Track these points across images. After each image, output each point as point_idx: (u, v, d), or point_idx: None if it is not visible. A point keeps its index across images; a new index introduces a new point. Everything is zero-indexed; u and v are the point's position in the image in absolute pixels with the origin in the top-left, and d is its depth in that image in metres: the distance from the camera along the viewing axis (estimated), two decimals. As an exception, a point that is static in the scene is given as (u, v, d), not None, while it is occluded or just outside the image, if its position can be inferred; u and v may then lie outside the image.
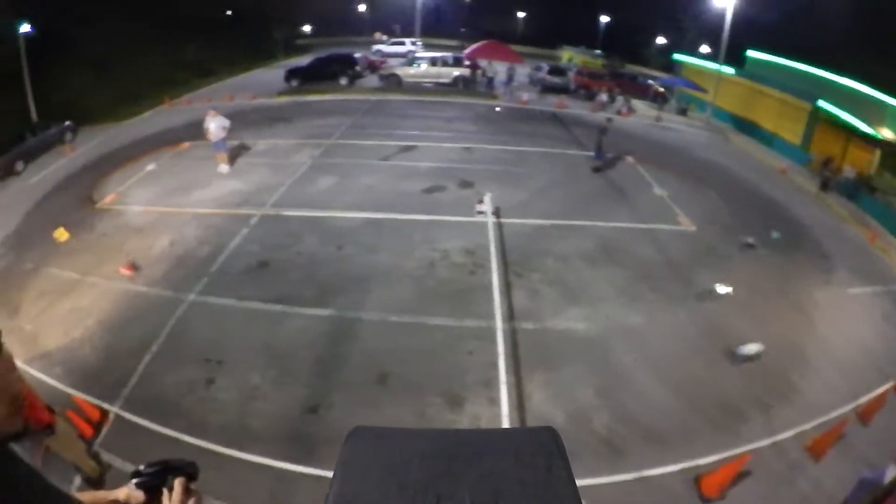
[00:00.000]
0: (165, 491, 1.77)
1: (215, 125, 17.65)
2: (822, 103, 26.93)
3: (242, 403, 9.08)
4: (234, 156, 18.97)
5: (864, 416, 9.91)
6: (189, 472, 1.84)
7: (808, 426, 9.42)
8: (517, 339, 10.51)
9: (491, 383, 9.33)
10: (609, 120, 20.58)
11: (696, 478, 8.06)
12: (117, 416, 9.09)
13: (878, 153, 26.05)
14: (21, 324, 11.59)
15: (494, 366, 9.69)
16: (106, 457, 8.66)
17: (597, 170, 20.14)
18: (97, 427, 9.06)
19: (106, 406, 9.22)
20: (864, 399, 10.27)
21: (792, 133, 29.45)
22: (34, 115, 29.51)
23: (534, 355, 10.16)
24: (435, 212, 15.40)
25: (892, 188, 24.68)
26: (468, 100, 32.14)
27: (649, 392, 9.66)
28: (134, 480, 1.86)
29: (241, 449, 8.16)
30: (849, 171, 24.91)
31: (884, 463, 5.40)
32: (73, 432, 8.68)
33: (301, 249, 13.34)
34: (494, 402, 8.97)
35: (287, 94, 32.20)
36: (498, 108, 29.80)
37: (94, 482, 8.55)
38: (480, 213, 14.83)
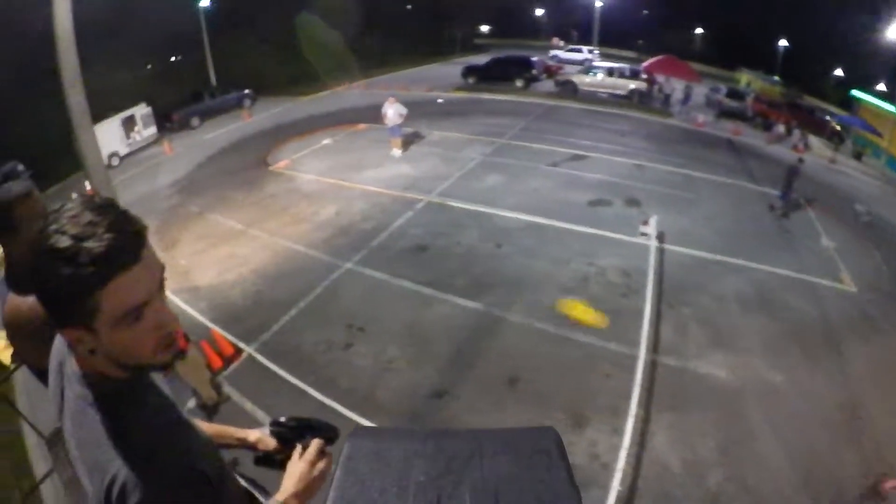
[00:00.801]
0: (299, 447, 1.79)
1: (393, 111, 18.62)
2: None
3: (374, 373, 9.42)
4: (407, 142, 19.72)
5: None
6: (329, 436, 1.85)
7: None
8: (656, 373, 10.06)
9: (619, 412, 9.00)
10: (801, 160, 19.12)
11: None
12: (249, 357, 9.71)
13: None
14: (176, 258, 12.67)
15: (627, 396, 9.32)
16: (227, 390, 9.25)
17: (773, 208, 18.75)
18: (227, 361, 9.74)
19: (241, 345, 9.86)
20: None
21: None
22: (213, 81, 32.52)
23: (668, 393, 9.68)
24: (597, 225, 15.06)
25: None
26: (642, 115, 31.12)
27: (770, 459, 8.84)
28: (271, 428, 1.93)
29: (362, 414, 8.41)
30: None
31: None
32: (201, 360, 9.39)
33: (461, 240, 13.59)
34: (617, 432, 8.65)
35: (463, 90, 32.99)
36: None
37: (209, 410, 9.19)
38: (644, 234, 14.32)
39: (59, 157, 20.40)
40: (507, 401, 9.04)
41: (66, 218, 1.19)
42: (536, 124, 25.69)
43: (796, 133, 32.07)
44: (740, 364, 10.79)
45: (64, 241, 1.16)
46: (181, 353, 8.62)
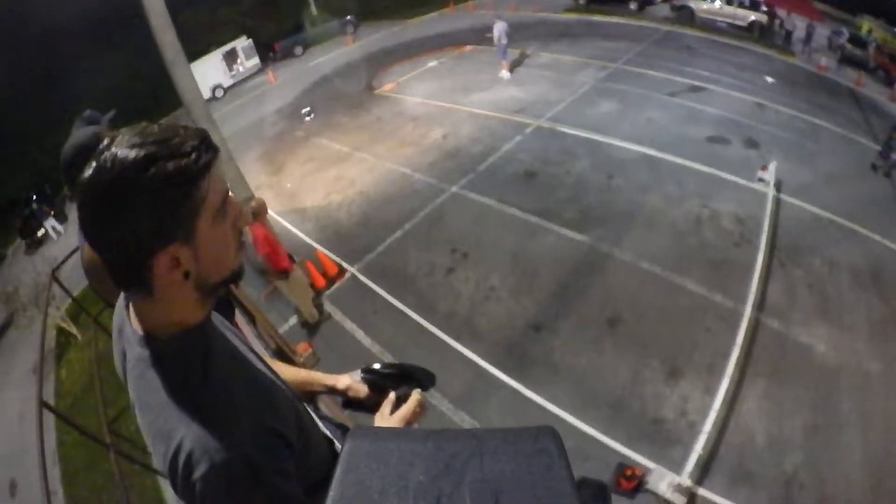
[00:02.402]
0: (393, 395, 1.75)
1: (500, 31, 18.00)
2: None
3: (475, 300, 9.55)
4: (515, 64, 19.18)
5: None
6: (426, 385, 1.81)
7: None
8: (758, 334, 9.69)
9: (714, 370, 8.84)
10: None
11: None
12: (353, 277, 9.98)
13: None
14: (283, 182, 12.94)
15: (726, 355, 9.11)
16: (329, 308, 9.53)
17: (875, 168, 17.28)
18: (331, 281, 10.02)
19: (346, 265, 10.10)
20: None
21: None
22: (313, 9, 32.25)
23: (766, 359, 9.32)
24: (713, 165, 14.31)
25: None
26: (763, 50, 28.97)
27: (849, 454, 8.38)
28: (362, 374, 1.89)
29: (458, 340, 8.66)
30: None
31: None
32: (305, 280, 9.74)
33: (571, 169, 13.27)
34: (710, 391, 8.52)
35: (574, 11, 31.39)
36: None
37: (310, 328, 9.54)
38: (762, 180, 13.58)
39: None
40: (604, 341, 9.01)
41: (131, 136, 1.14)
42: (652, 50, 24.30)
43: None
44: (843, 342, 10.15)
45: (150, 148, 1.11)
46: (285, 273, 8.97)
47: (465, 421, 7.95)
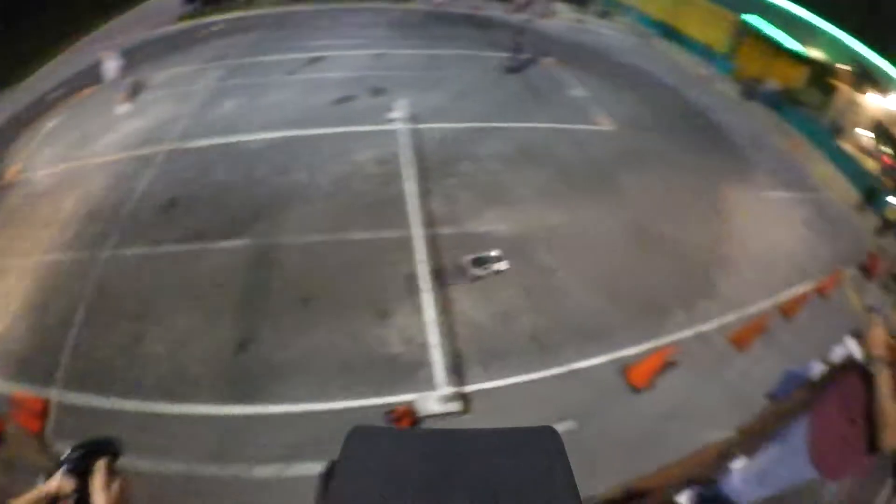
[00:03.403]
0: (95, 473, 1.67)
1: (108, 66, 16.52)
2: (750, 17, 27.71)
3: (174, 352, 8.74)
4: (134, 93, 17.61)
5: (787, 312, 10.37)
6: (111, 451, 1.75)
7: (730, 318, 9.82)
8: (437, 245, 10.33)
9: (415, 293, 9.26)
10: (528, 21, 19.85)
11: (625, 368, 8.25)
12: (59, 402, 8.59)
13: (805, 70, 26.91)
14: None
15: (416, 275, 9.59)
16: (59, 446, 8.20)
17: (511, 70, 19.60)
18: (43, 417, 8.55)
19: (45, 393, 8.68)
20: (785, 296, 10.74)
21: (717, 42, 29.93)
22: None
23: (455, 260, 10.04)
24: (346, 123, 14.68)
25: (816, 103, 25.69)
26: (380, 4, 30.32)
27: (573, 289, 9.75)
28: (62, 468, 1.78)
29: (183, 401, 7.92)
30: (772, 84, 25.74)
31: (808, 359, 5.39)
32: (22, 433, 8.27)
33: (209, 181, 12.58)
34: (420, 310, 8.92)
35: (188, 17, 29.82)
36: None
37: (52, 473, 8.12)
38: (393, 120, 14.31)
39: None
40: (308, 322, 8.90)
41: None
42: (268, 35, 24.22)
43: (540, 0, 33.51)
44: (519, 215, 11.46)
45: None
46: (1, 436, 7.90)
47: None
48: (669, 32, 32.82)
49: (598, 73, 21.21)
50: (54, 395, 8.64)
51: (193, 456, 7.05)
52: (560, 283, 9.78)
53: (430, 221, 10.88)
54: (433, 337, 8.45)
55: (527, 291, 9.49)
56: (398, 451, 1.24)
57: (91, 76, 19.25)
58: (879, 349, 3.60)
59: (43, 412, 8.82)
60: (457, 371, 8.04)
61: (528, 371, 8.07)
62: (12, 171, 15.17)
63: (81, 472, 1.76)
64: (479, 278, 9.57)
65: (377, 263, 9.91)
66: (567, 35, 27.79)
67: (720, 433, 7.08)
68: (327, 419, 7.23)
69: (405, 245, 10.22)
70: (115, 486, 1.70)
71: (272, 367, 8.20)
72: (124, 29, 28.22)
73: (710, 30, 30.15)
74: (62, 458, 1.78)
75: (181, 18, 29.55)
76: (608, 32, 31.01)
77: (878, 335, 3.62)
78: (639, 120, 17.34)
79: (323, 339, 8.59)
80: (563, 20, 31.51)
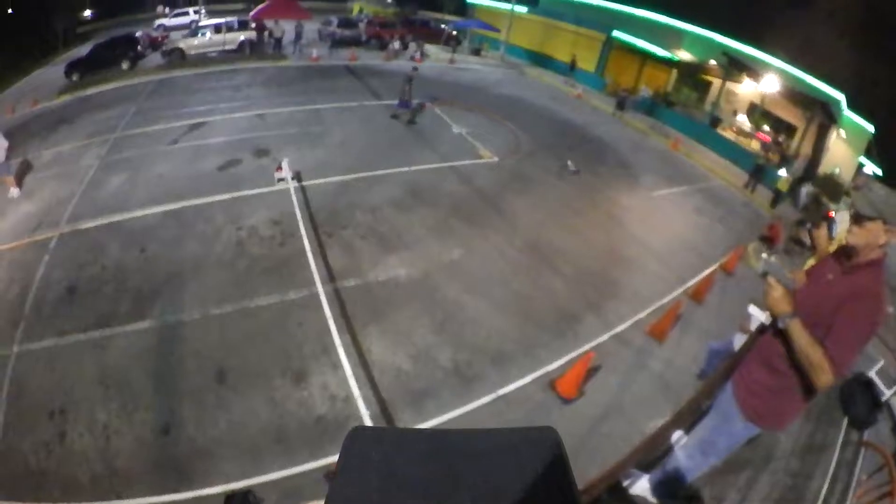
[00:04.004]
0: None
1: None
2: (616, 33, 30.00)
3: (101, 448, 8.10)
4: (22, 174, 16.68)
5: (697, 296, 11.02)
6: None
7: (643, 314, 10.29)
8: (343, 298, 10.28)
9: (328, 349, 9.13)
10: (415, 69, 20.50)
11: (551, 383, 8.38)
12: None
13: (674, 73, 29.04)
14: None
15: (327, 331, 9.47)
16: None
17: (395, 116, 20.14)
18: None
19: None
20: (692, 282, 11.40)
21: (586, 61, 32.28)
22: None
23: (363, 311, 10.01)
24: (234, 188, 14.48)
25: (690, 101, 27.83)
26: (257, 64, 30.72)
27: (483, 317, 9.91)
28: None
29: (119, 497, 7.36)
30: (645, 91, 27.60)
31: (727, 334, 5.64)
32: None
33: (104, 262, 11.97)
34: (337, 365, 8.79)
35: (69, 90, 28.72)
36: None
37: None
38: (281, 179, 14.25)
39: None
40: (227, 397, 8.57)
41: None
42: (148, 104, 23.60)
43: (412, 45, 35.03)
44: (417, 257, 11.58)
45: None
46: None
47: None
48: (540, 60, 34.55)
49: (475, 108, 22.04)
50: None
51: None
52: (470, 314, 9.92)
53: (330, 276, 10.85)
54: (355, 389, 8.31)
55: (439, 328, 9.55)
56: (398, 451, 1.23)
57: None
58: (782, 306, 3.78)
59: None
60: (387, 419, 7.93)
61: (458, 405, 8.04)
62: None
63: None
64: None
65: (286, 327, 9.71)
66: (443, 75, 28.83)
67: (657, 421, 7.32)
68: (268, 490, 6.92)
69: (311, 303, 10.10)
70: None
71: (196, 448, 7.81)
72: (7, 105, 27.07)
73: (579, 51, 32.03)
74: None
75: (61, 93, 28.52)
76: (481, 68, 32.34)
77: (777, 295, 3.81)
78: (518, 147, 18.19)
79: (245, 412, 8.28)
80: (437, 62, 32.63)
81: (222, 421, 8.14)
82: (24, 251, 12.91)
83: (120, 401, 8.69)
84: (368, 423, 7.80)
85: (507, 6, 36.68)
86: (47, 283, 11.59)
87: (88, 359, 9.62)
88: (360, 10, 53.49)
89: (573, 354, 8.97)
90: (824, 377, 3.54)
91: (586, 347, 9.11)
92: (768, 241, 14.07)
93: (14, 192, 15.90)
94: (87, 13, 58.46)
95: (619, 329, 9.81)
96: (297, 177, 14.55)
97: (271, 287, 10.60)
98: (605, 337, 9.55)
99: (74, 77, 30.42)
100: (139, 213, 13.69)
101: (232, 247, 11.94)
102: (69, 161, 17.89)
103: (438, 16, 55.37)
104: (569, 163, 16.62)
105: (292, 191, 13.86)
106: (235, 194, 14.11)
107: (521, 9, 36.83)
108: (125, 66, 31.61)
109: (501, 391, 8.27)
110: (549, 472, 1.17)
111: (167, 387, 8.84)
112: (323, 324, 9.60)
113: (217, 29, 33.34)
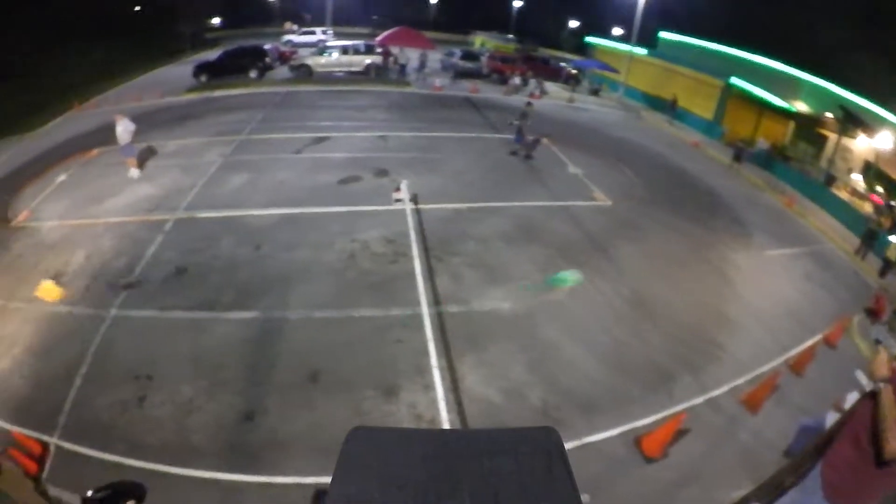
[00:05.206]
0: None
1: (122, 129, 16.72)
2: (734, 80, 28.72)
3: (177, 418, 8.60)
4: (144, 159, 18.00)
5: (797, 367, 10.48)
6: (137, 494, 1.72)
7: (739, 381, 9.89)
8: (444, 323, 10.45)
9: (423, 370, 9.27)
10: (529, 104, 20.80)
11: (637, 439, 8.23)
12: (58, 447, 8.48)
13: (791, 125, 27.72)
14: None
15: (425, 352, 9.63)
16: (54, 491, 8.09)
17: (515, 153, 20.33)
18: (41, 461, 8.45)
19: (45, 438, 8.59)
20: (793, 352, 10.84)
21: (704, 109, 31.14)
22: None
23: (462, 338, 10.12)
24: (351, 202, 15.09)
25: (807, 156, 26.47)
26: (381, 88, 31.79)
27: (579, 362, 9.83)
28: None
29: (184, 465, 7.72)
30: (762, 143, 26.51)
31: (821, 411, 5.48)
32: (19, 471, 8.07)
33: (218, 252, 12.75)
34: (429, 387, 8.90)
35: (196, 90, 30.60)
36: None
37: None
38: (398, 200, 14.69)
39: None
40: (315, 397, 8.82)
41: None
42: (275, 114, 24.95)
43: (532, 82, 35.33)
44: (522, 293, 11.61)
45: None
46: (-1, 469, 7.43)
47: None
48: (658, 104, 34.01)
49: (591, 149, 22.00)
50: (54, 441, 8.54)
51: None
52: (566, 357, 9.86)
53: (436, 299, 11.06)
54: (442, 413, 8.39)
55: (534, 366, 9.53)
56: (398, 451, 1.25)
57: (101, 136, 19.74)
58: (882, 371, 3.80)
59: (41, 455, 8.68)
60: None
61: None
62: (21, 216, 15.35)
63: None
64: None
65: (385, 341, 9.94)
66: (561, 113, 28.96)
67: (736, 493, 7.06)
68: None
69: (413, 323, 10.33)
70: None
71: (274, 439, 8.12)
72: (134, 94, 29.09)
73: (696, 97, 31.16)
74: (85, 496, 1.86)
75: (189, 91, 30.48)
76: (598, 108, 32.25)
77: (882, 359, 3.84)
78: (632, 192, 17.98)
79: (329, 414, 8.52)
80: (555, 99, 32.80)
81: (306, 418, 8.43)
82: (139, 227, 13.89)
83: (209, 380, 9.17)
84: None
85: (626, 48, 36.66)
86: (157, 260, 12.45)
87: (185, 336, 10.24)
88: (482, 44, 54.45)
89: (663, 414, 8.74)
90: (894, 443, 3.52)
91: (679, 408, 8.84)
92: (873, 313, 13.35)
93: (134, 172, 17.14)
94: (216, 20, 62.42)
95: (713, 393, 9.49)
96: (414, 199, 14.99)
97: (376, 301, 10.91)
98: (699, 400, 9.26)
99: (202, 78, 32.50)
100: (256, 212, 14.48)
101: (344, 258, 12.44)
102: (192, 154, 19.19)
103: (558, 54, 55.94)
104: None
105: (408, 213, 14.30)
106: (353, 209, 14.69)
107: (641, 51, 36.52)
108: (253, 74, 33.54)
109: (586, 439, 8.15)
110: (550, 472, 1.21)
111: (259, 376, 9.25)
112: (422, 345, 9.76)
113: (344, 50, 35.03)
